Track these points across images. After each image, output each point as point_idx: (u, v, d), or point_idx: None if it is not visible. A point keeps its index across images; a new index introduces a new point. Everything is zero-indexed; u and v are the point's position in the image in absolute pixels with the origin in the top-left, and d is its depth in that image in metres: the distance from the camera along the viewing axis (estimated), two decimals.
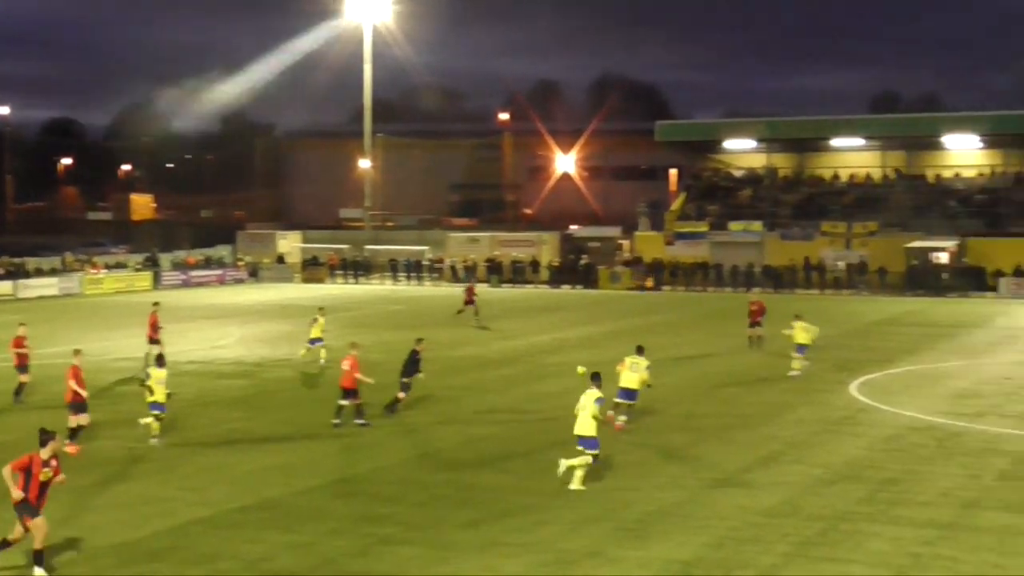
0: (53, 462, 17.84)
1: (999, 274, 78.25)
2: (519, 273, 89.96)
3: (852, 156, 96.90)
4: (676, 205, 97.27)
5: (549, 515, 21.17)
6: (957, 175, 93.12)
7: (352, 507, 21.88)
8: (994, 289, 77.38)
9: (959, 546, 19.30)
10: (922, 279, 79.45)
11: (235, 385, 37.48)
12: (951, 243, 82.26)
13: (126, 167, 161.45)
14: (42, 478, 17.63)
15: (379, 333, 52.27)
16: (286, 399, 34.80)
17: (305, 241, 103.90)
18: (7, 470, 17.67)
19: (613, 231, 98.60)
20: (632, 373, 29.39)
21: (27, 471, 17.61)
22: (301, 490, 23.24)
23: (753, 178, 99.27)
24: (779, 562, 18.52)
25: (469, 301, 58.45)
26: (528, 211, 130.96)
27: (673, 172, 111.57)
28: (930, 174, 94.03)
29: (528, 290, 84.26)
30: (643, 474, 24.39)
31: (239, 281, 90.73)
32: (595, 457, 23.41)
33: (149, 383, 27.51)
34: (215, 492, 22.99)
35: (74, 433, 26.66)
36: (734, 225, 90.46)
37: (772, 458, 26.06)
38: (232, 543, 19.56)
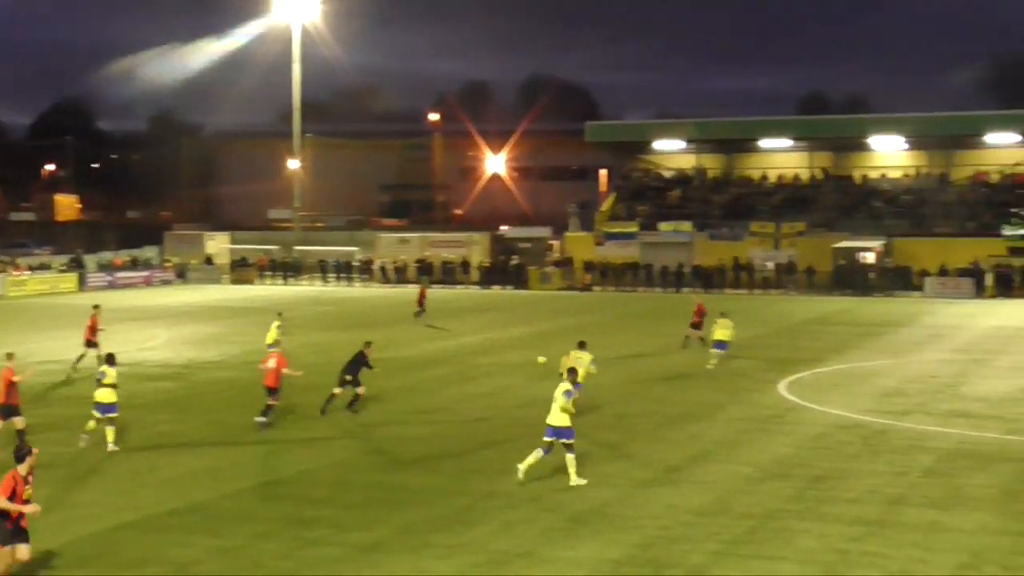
0: (30, 478, 17.07)
1: (924, 274, 79.16)
2: (449, 274, 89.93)
3: (780, 157, 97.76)
4: (606, 206, 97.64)
5: (480, 516, 21.19)
6: (883, 176, 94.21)
7: (281, 510, 21.78)
8: (920, 289, 78.26)
9: (886, 542, 19.52)
10: (849, 279, 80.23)
11: (163, 387, 37.20)
12: (877, 243, 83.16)
13: (50, 167, 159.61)
14: (26, 497, 16.87)
15: (309, 335, 52.10)
16: (215, 401, 34.57)
17: (234, 242, 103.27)
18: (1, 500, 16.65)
19: (543, 232, 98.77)
20: (577, 368, 29.37)
21: (12, 493, 16.68)
22: (229, 493, 23.10)
23: (682, 179, 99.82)
24: (709, 560, 18.64)
25: (421, 303, 58.82)
26: (458, 212, 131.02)
27: (603, 173, 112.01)
28: (857, 175, 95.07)
29: (459, 291, 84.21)
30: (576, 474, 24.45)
31: (166, 283, 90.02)
32: (570, 447, 23.56)
33: (106, 382, 27.02)
34: (143, 496, 22.80)
35: None
36: (664, 225, 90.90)
37: (702, 457, 26.22)
38: (160, 548, 19.40)
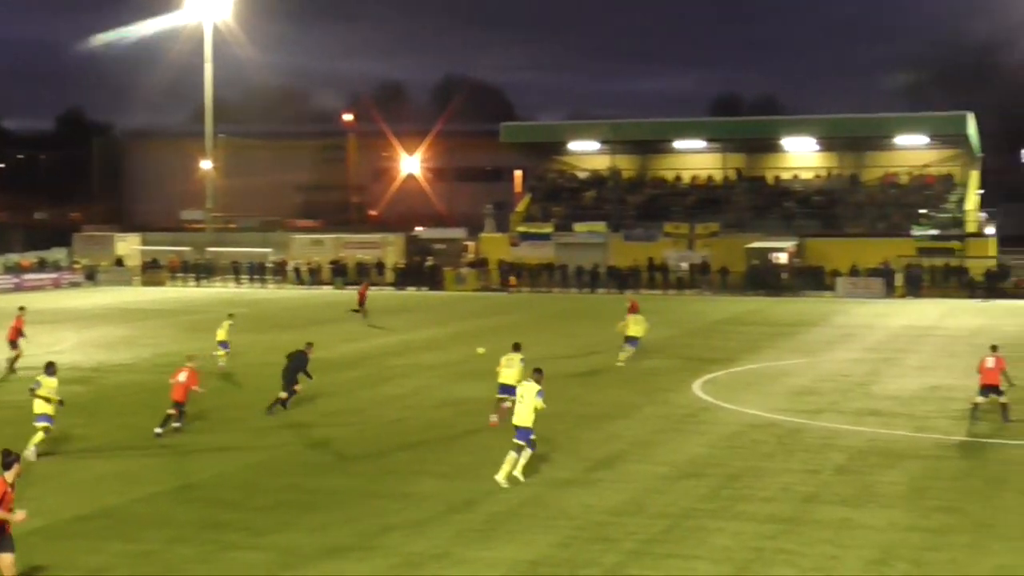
0: (14, 486, 16.59)
1: (836, 274, 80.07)
2: (364, 275, 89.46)
3: (694, 158, 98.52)
4: (521, 206, 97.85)
5: (395, 518, 21.12)
6: (795, 177, 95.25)
7: (194, 514, 21.58)
8: (831, 288, 79.15)
9: (799, 540, 19.72)
10: (762, 279, 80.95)
11: (72, 391, 36.57)
12: (790, 243, 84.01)
13: None
14: (9, 504, 16.40)
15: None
16: (125, 405, 34.14)
17: (145, 243, 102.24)
18: None
19: (458, 232, 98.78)
20: (509, 369, 29.90)
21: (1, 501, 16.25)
22: (141, 497, 22.85)
23: (597, 180, 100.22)
24: (625, 560, 18.72)
25: (361, 302, 59.33)
26: (373, 212, 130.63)
27: (518, 173, 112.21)
28: (769, 176, 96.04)
29: (373, 292, 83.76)
30: (489, 474, 24.39)
31: (75, 285, 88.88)
32: (531, 444, 23.75)
33: (40, 392, 26.36)
34: (52, 502, 22.46)
35: None
36: (578, 226, 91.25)
37: (617, 457, 26.33)
38: (70, 553, 19.14)
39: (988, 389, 30.09)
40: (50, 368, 26.88)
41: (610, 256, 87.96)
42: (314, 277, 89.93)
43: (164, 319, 58.87)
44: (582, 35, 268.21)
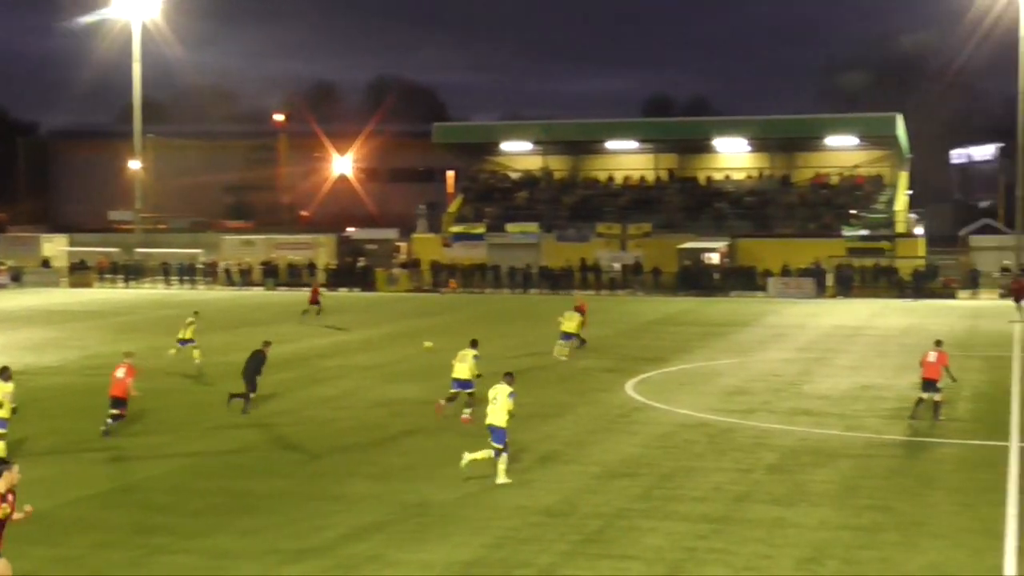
0: (10, 496, 15.93)
1: (768, 274, 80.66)
2: (295, 276, 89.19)
3: (626, 159, 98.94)
4: (453, 207, 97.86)
5: (328, 520, 21.02)
6: (727, 177, 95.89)
7: (124, 518, 21.36)
8: (763, 289, 79.73)
9: (731, 539, 19.81)
10: (694, 279, 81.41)
11: None
12: (722, 244, 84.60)
13: None
14: (2, 516, 15.86)
15: (151, 339, 51.10)
16: (53, 408, 33.72)
17: (72, 244, 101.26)
18: None
19: (390, 233, 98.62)
20: (463, 364, 30.95)
21: None
22: (69, 501, 22.58)
23: (530, 180, 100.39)
24: (558, 560, 18.73)
25: (314, 300, 59.91)
26: (304, 213, 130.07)
27: (451, 174, 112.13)
28: (701, 176, 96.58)
29: (305, 293, 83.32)
30: (422, 476, 24.40)
31: (1, 286, 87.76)
32: (500, 450, 23.89)
33: None
34: None
35: None
36: (511, 227, 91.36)
37: (550, 457, 26.35)
38: None
39: (928, 383, 30.39)
40: (4, 373, 26.29)
41: (542, 257, 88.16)
42: (245, 278, 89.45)
43: (92, 321, 58.26)
44: (515, 36, 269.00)
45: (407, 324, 58.87)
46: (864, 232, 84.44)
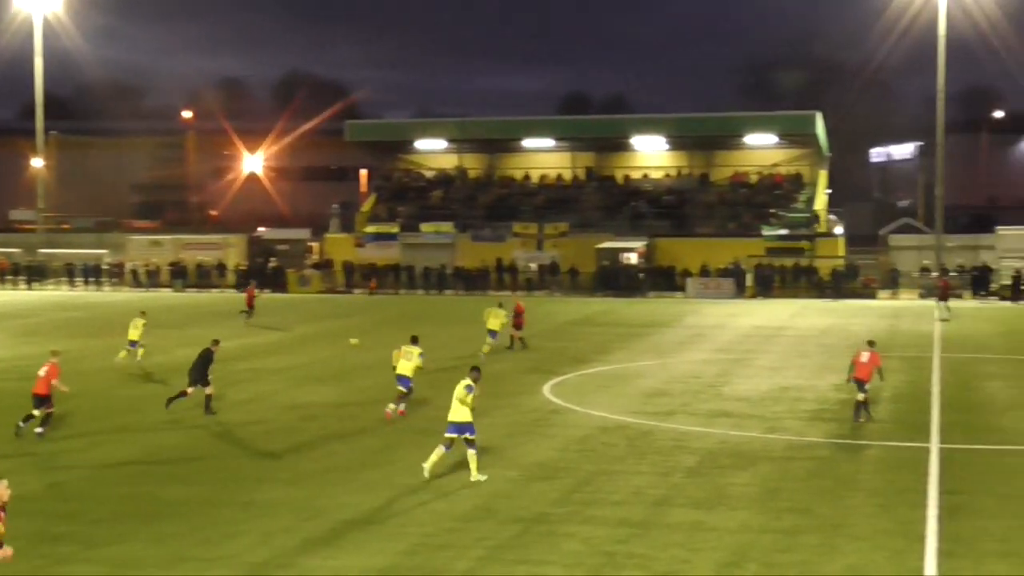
0: (1, 514, 15.66)
1: (687, 274, 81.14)
2: (205, 277, 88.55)
3: (543, 157, 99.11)
4: (366, 206, 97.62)
5: (238, 527, 20.86)
6: (645, 176, 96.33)
7: (26, 526, 21.00)
8: (682, 289, 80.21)
9: (651, 543, 19.89)
10: (612, 279, 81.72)
11: None
12: (640, 243, 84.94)
13: None
14: None
15: (56, 342, 50.37)
16: None
17: None
18: None
19: (302, 233, 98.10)
20: (407, 361, 31.44)
21: None
22: None
23: (444, 179, 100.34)
24: (475, 566, 18.71)
25: (250, 303, 59.75)
26: (214, 213, 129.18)
27: (364, 173, 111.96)
28: (619, 175, 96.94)
29: (214, 294, 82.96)
30: (336, 481, 24.29)
31: None
32: (472, 442, 24.35)
33: None
34: None
35: None
36: (425, 226, 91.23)
37: (466, 462, 26.30)
38: None
39: (858, 383, 30.73)
40: None
41: (457, 257, 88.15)
42: (153, 279, 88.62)
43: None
44: (428, 32, 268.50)
45: (320, 326, 58.60)
46: (784, 232, 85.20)
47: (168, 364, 43.08)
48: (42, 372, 29.10)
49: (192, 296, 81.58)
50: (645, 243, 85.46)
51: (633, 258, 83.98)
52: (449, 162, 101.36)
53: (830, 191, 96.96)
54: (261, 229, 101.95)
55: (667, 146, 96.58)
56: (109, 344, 47.09)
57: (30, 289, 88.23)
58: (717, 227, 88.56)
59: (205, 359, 32.55)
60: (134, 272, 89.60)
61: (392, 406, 31.72)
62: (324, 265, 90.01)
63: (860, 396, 30.79)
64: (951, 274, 76.65)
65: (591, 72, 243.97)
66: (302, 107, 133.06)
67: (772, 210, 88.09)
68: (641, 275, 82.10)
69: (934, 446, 27.88)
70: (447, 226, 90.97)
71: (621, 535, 20.38)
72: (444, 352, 46.06)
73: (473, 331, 47.06)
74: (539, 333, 54.28)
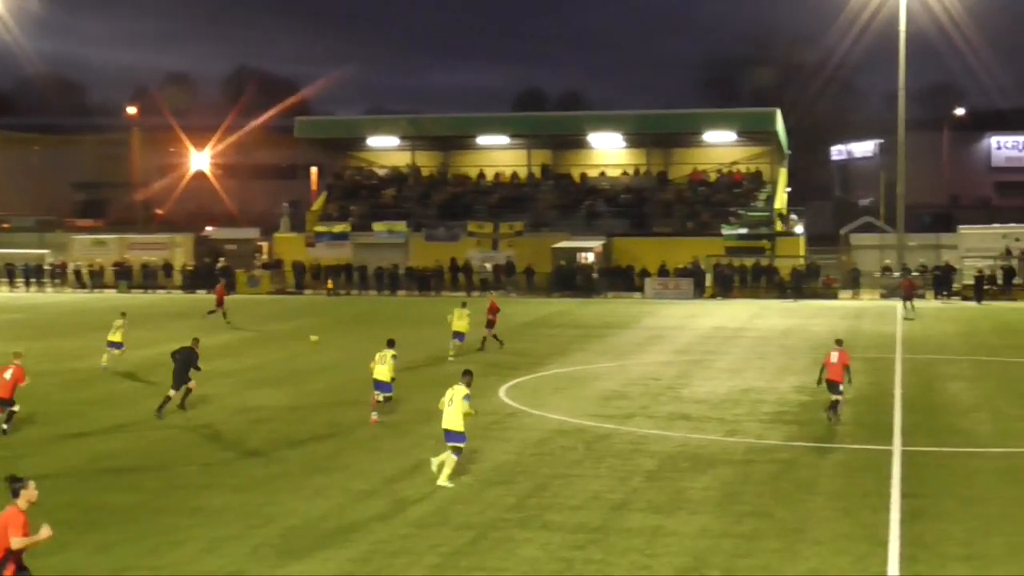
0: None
1: (645, 274, 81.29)
2: (151, 277, 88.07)
3: (498, 154, 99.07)
4: (317, 205, 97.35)
5: (185, 534, 20.72)
6: (602, 174, 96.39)
7: None
8: (640, 289, 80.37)
9: (609, 549, 19.89)
10: (569, 280, 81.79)
11: None
12: (597, 243, 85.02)
13: None
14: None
15: None
16: None
17: None
18: (20, 542, 15.22)
19: (251, 232, 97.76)
20: (382, 366, 31.78)
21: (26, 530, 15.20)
22: None
23: (397, 177, 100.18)
24: (429, 574, 18.65)
25: (220, 302, 60.30)
26: (160, 211, 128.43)
27: (314, 171, 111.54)
28: (575, 173, 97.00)
29: (160, 295, 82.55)
30: (285, 487, 24.18)
31: None
32: (459, 451, 24.52)
33: None
34: None
35: None
36: (377, 226, 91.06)
37: (420, 466, 26.21)
38: None
39: (832, 385, 30.89)
40: None
41: (411, 257, 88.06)
42: (96, 280, 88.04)
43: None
44: (379, 27, 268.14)
45: (269, 328, 58.37)
46: (743, 231, 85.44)
47: (111, 367, 42.77)
48: (7, 375, 29.26)
49: (138, 297, 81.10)
50: (602, 243, 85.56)
51: (590, 258, 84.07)
52: (402, 160, 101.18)
53: (790, 189, 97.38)
54: (209, 228, 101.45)
55: (624, 143, 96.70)
56: (51, 346, 46.75)
57: None
58: (676, 226, 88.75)
59: (186, 359, 32.87)
60: (77, 273, 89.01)
61: (375, 415, 31.94)
62: (274, 265, 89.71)
63: (834, 397, 31.00)
64: (913, 273, 77.13)
65: (547, 68, 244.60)
66: (251, 103, 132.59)
67: (731, 209, 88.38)
68: (594, 275, 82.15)
69: (896, 448, 28.04)
70: (400, 225, 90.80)
71: (579, 540, 20.37)
72: (402, 355, 45.90)
73: (430, 333, 46.93)
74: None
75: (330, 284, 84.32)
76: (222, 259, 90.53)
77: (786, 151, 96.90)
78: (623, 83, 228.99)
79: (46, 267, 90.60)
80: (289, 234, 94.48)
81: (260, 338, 53.42)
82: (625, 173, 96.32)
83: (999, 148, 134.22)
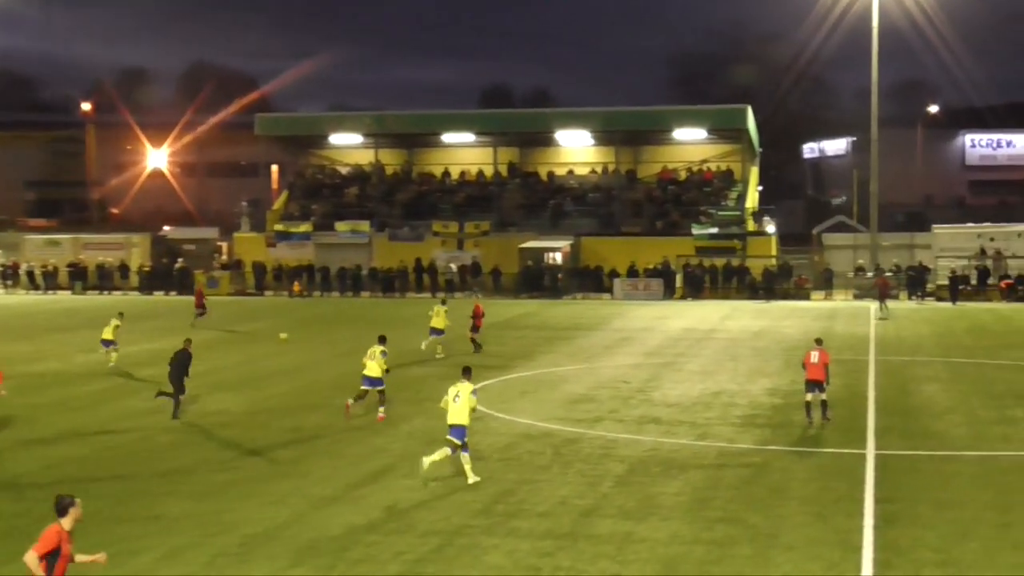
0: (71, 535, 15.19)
1: (614, 275, 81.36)
2: (106, 278, 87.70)
3: (463, 152, 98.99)
4: (278, 204, 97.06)
5: (142, 543, 20.64)
6: (570, 172, 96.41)
7: None
8: (609, 290, 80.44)
9: (578, 556, 19.90)
10: (537, 280, 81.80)
11: None
12: (565, 243, 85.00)
13: None
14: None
15: None
16: None
17: None
18: (32, 556, 14.83)
19: (210, 232, 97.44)
20: (372, 362, 32.44)
21: (55, 553, 14.90)
22: None
23: (360, 175, 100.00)
24: None
25: (199, 305, 60.84)
26: (115, 211, 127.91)
27: (275, 169, 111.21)
28: (543, 171, 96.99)
29: (116, 297, 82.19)
30: (246, 494, 24.12)
31: None
32: (464, 446, 25.09)
33: None
34: None
35: None
36: (340, 225, 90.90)
37: (384, 472, 26.23)
38: None
39: (812, 384, 31.03)
40: None
41: (374, 257, 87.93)
42: (50, 281, 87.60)
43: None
44: (342, 22, 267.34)
45: (227, 330, 58.19)
46: (714, 230, 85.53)
47: (67, 372, 42.63)
48: None
49: (93, 299, 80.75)
50: (570, 242, 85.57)
51: (558, 258, 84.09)
52: (365, 158, 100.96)
53: (762, 188, 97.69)
54: (166, 228, 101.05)
55: (593, 141, 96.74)
56: (3, 350, 46.49)
57: None
58: (645, 226, 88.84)
59: (182, 362, 33.18)
60: (30, 274, 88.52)
61: (351, 400, 32.88)
62: (234, 266, 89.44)
63: (812, 397, 31.18)
64: (887, 273, 77.44)
65: (514, 64, 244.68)
66: (209, 100, 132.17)
67: (702, 208, 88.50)
68: (560, 276, 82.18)
69: (870, 452, 28.16)
70: (363, 225, 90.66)
71: (547, 547, 20.38)
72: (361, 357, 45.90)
73: (395, 335, 46.41)
74: (460, 337, 54.21)
75: (296, 286, 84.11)
76: (180, 260, 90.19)
77: (757, 149, 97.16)
78: (591, 79, 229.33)
79: None
80: (249, 234, 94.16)
81: (220, 341, 53.24)
82: (593, 171, 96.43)
83: (973, 146, 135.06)
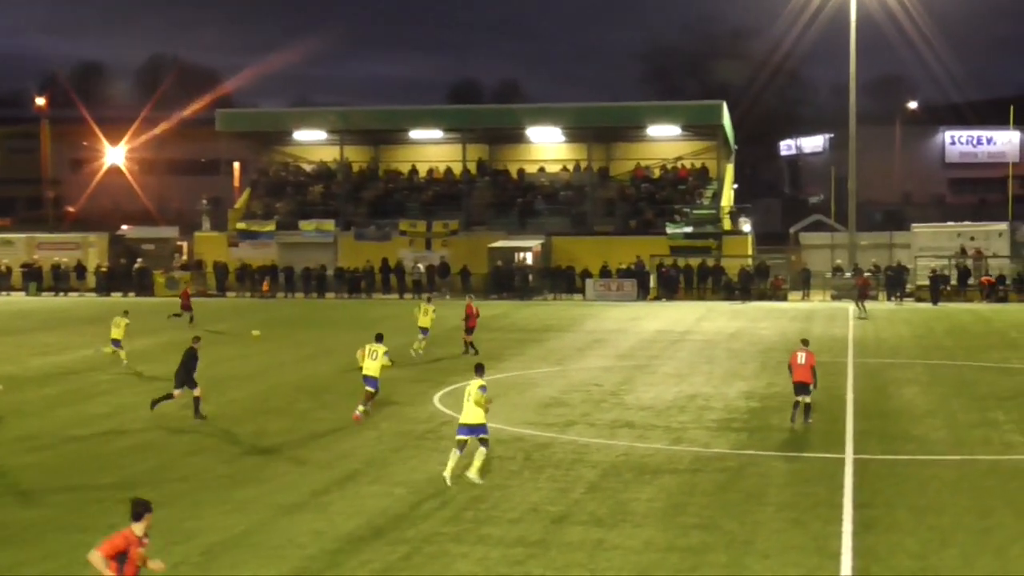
0: (145, 540, 15.33)
1: (586, 275, 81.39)
2: (62, 279, 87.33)
3: (431, 149, 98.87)
4: (240, 202, 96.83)
5: None
6: (541, 170, 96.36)
7: None
8: (581, 291, 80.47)
9: (550, 564, 19.90)
10: (507, 281, 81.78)
11: None
12: (536, 242, 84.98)
13: None
14: (138, 562, 15.15)
15: None
16: None
17: None
18: (97, 556, 14.95)
19: (170, 231, 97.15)
20: (372, 361, 32.67)
21: (122, 556, 15.01)
22: None
23: (325, 173, 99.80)
24: None
25: (185, 306, 61.08)
26: (71, 209, 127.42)
27: (237, 166, 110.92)
28: (513, 169, 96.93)
29: (73, 299, 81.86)
30: (207, 501, 24.05)
31: None
32: (487, 441, 25.45)
33: None
34: None
35: None
36: (304, 224, 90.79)
37: (350, 478, 26.20)
38: None
39: (800, 386, 31.13)
40: None
41: (339, 257, 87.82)
42: (3, 282, 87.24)
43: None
44: (306, 15, 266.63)
45: (189, 332, 57.93)
46: (688, 229, 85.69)
47: (19, 375, 42.44)
48: None
49: (48, 300, 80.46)
50: (541, 242, 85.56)
51: (529, 258, 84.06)
52: (330, 155, 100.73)
53: (737, 186, 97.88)
54: (125, 227, 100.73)
55: (564, 138, 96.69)
56: None
57: None
58: (618, 225, 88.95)
59: (189, 360, 33.37)
60: None
61: (361, 407, 32.99)
62: (194, 266, 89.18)
63: (800, 398, 31.30)
64: (867, 273, 77.67)
65: (482, 58, 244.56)
66: (169, 94, 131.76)
67: (676, 206, 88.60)
68: (531, 276, 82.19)
69: (848, 456, 28.25)
70: (328, 224, 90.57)
71: (518, 555, 20.39)
72: (335, 360, 45.86)
73: (362, 337, 46.23)
74: (429, 339, 54.20)
75: (266, 285, 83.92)
76: (139, 260, 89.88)
77: (733, 146, 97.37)
78: (562, 74, 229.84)
79: None
80: (210, 233, 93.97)
81: (181, 343, 52.99)
82: (565, 169, 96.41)
83: (952, 143, 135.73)
